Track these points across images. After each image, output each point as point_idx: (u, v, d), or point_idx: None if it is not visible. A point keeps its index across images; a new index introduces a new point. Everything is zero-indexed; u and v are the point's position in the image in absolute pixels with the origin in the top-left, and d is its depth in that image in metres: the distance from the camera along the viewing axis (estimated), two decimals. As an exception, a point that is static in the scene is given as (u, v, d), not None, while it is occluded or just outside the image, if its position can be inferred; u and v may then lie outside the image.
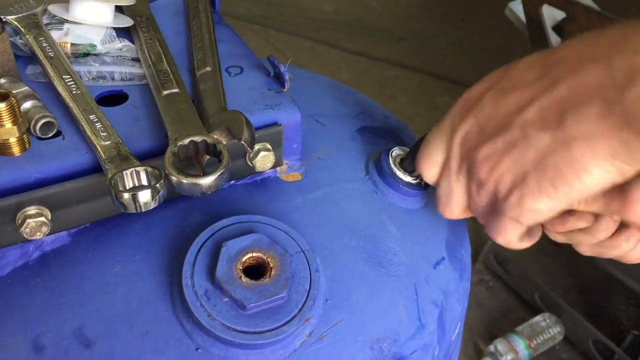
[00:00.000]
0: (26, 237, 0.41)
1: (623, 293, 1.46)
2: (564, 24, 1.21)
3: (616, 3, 1.50)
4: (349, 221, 0.50)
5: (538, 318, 1.43)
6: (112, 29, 0.53)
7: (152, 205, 0.40)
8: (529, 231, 0.43)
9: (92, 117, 0.44)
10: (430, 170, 0.46)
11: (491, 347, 1.38)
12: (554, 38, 1.27)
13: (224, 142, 0.43)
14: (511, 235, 0.42)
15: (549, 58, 0.39)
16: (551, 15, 1.28)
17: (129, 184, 0.41)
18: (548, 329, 1.42)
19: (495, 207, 0.42)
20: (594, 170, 0.35)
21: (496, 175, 0.40)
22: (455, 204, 0.45)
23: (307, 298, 0.42)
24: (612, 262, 1.24)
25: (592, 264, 1.30)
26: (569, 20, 1.17)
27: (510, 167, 0.39)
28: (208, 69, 0.50)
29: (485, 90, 0.42)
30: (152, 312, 0.42)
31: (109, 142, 0.43)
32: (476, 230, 1.66)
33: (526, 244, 0.44)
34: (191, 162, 0.44)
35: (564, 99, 0.36)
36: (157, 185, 0.40)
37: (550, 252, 1.58)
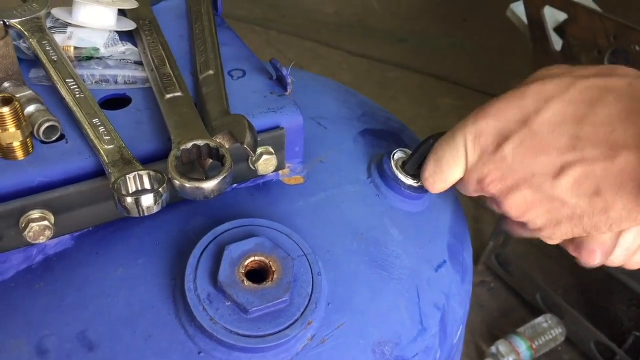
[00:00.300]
0: (29, 240, 0.41)
1: (624, 294, 1.46)
2: (566, 25, 1.21)
3: (617, 3, 1.50)
4: (350, 224, 0.50)
5: (539, 319, 1.43)
6: (115, 32, 0.53)
7: (155, 209, 0.40)
8: None
9: (95, 120, 0.44)
10: (438, 185, 0.49)
11: (492, 349, 1.38)
12: (555, 39, 1.27)
13: (227, 146, 0.43)
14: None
15: (578, 128, 0.41)
16: (552, 16, 1.28)
17: (131, 187, 0.41)
18: (549, 329, 1.42)
19: (525, 227, 0.46)
20: (627, 226, 0.41)
21: (527, 217, 0.44)
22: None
23: (309, 301, 0.42)
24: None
25: (594, 265, 1.30)
26: (570, 22, 1.17)
27: (543, 214, 0.43)
28: (210, 72, 0.50)
29: (502, 134, 0.43)
30: (154, 315, 0.42)
31: (112, 146, 0.43)
32: (478, 231, 1.66)
33: None
34: (194, 165, 0.44)
35: (600, 177, 0.40)
36: (160, 189, 0.40)
37: (552, 253, 1.58)
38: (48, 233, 0.41)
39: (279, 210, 0.49)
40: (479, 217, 1.69)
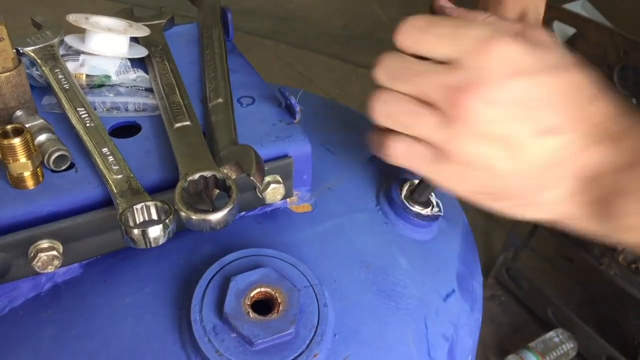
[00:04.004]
0: (38, 270, 0.42)
1: (637, 309, 1.44)
2: (575, 40, 1.21)
3: (630, 16, 1.48)
4: (358, 253, 0.50)
5: (551, 334, 1.42)
6: (127, 60, 0.54)
7: (162, 241, 0.40)
8: None
9: (104, 150, 0.45)
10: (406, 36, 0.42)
11: (503, 363, 1.37)
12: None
13: (234, 177, 0.44)
14: None
15: None
16: (562, 30, 1.27)
17: (139, 218, 0.41)
18: (561, 344, 1.41)
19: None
20: None
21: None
22: None
23: (315, 333, 0.42)
24: (626, 277, 1.23)
25: (606, 279, 1.29)
26: (580, 37, 1.16)
27: None
28: (220, 100, 0.50)
29: None
30: (160, 346, 0.42)
31: (120, 176, 0.43)
32: (488, 245, 1.65)
33: None
34: (201, 195, 0.44)
35: None
36: (167, 220, 0.40)
37: (563, 267, 1.57)
38: (56, 263, 0.42)
39: (286, 238, 0.49)
40: (489, 230, 1.68)
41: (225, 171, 0.44)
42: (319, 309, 0.43)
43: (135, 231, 0.39)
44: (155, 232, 0.40)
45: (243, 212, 0.50)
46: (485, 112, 0.38)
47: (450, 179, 0.41)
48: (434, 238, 0.53)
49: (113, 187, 0.42)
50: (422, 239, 0.53)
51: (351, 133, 0.61)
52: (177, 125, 0.47)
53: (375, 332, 0.46)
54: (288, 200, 0.51)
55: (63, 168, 0.45)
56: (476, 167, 0.40)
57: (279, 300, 0.42)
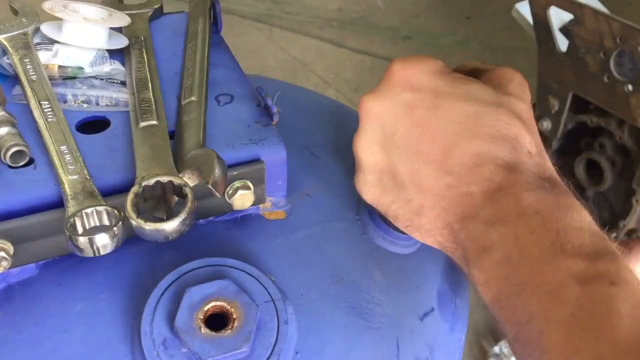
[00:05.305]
0: (-15, 272, 0.40)
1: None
2: (571, 26, 1.16)
3: (625, 2, 1.41)
4: (331, 265, 0.47)
5: (542, 318, 1.38)
6: (104, 51, 0.52)
7: (110, 249, 0.38)
8: None
9: (63, 147, 0.43)
10: None
11: (496, 349, 1.34)
12: (561, 40, 1.22)
13: (195, 183, 0.41)
14: None
15: None
16: (559, 16, 1.23)
17: (89, 223, 0.39)
18: (553, 329, 1.37)
19: None
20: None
21: None
22: None
23: (272, 352, 0.40)
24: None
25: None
26: (576, 23, 1.12)
27: None
28: (193, 98, 0.48)
29: None
30: (110, 356, 0.40)
31: (75, 177, 0.41)
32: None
33: None
34: (159, 201, 0.42)
35: None
36: (115, 228, 0.38)
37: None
38: (5, 264, 0.40)
39: (255, 247, 0.47)
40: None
41: (186, 177, 0.41)
42: (278, 326, 0.41)
43: (81, 239, 0.37)
44: (102, 239, 0.38)
45: (212, 217, 0.48)
46: (372, 110, 0.42)
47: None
48: (415, 252, 0.50)
49: (66, 187, 0.40)
50: (402, 253, 0.49)
51: (339, 135, 0.58)
52: (143, 124, 0.45)
53: (341, 351, 0.43)
54: (261, 206, 0.49)
55: (21, 164, 0.43)
56: (369, 171, 0.44)
57: (235, 316, 0.40)
